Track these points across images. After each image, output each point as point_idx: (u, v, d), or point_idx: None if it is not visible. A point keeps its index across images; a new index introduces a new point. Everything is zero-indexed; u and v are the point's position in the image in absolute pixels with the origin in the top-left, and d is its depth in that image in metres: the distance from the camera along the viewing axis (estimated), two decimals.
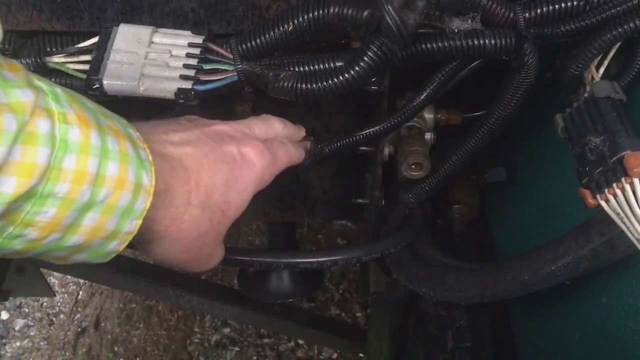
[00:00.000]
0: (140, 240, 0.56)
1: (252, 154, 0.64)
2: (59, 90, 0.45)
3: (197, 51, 0.68)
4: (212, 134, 0.63)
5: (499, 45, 0.68)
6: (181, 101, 0.67)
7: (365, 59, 0.63)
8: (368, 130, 0.81)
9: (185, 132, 0.62)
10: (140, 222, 0.50)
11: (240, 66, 0.67)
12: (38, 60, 0.69)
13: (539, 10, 0.68)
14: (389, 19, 0.60)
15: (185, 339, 2.05)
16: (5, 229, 0.42)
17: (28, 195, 0.41)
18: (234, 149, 0.63)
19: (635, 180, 0.57)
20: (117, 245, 0.51)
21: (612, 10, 0.66)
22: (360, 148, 0.91)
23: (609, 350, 0.70)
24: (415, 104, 0.79)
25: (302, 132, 0.77)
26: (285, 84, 0.66)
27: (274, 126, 0.72)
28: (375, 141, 0.88)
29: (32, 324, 2.12)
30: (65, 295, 2.18)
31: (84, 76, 0.68)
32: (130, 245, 0.54)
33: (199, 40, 0.69)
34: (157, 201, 0.53)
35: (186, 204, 0.57)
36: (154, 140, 0.56)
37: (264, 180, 0.66)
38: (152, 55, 0.68)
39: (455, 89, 0.81)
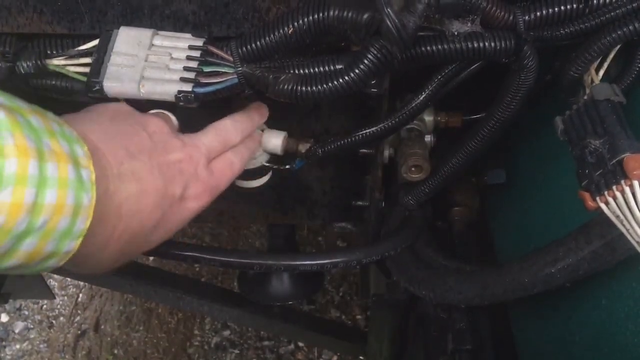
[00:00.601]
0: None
1: (193, 198, 0.66)
2: (1, 115, 0.45)
3: (197, 54, 0.68)
4: (165, 168, 0.63)
5: (498, 47, 0.68)
6: (181, 104, 0.67)
7: (365, 61, 0.63)
8: (364, 132, 0.81)
9: (142, 159, 0.61)
10: (79, 240, 0.50)
11: (240, 69, 0.68)
12: (38, 62, 0.69)
13: (538, 13, 0.68)
14: (388, 22, 0.60)
15: (185, 341, 2.05)
16: None
17: None
18: (178, 191, 0.64)
19: (635, 182, 0.57)
20: (56, 263, 0.51)
21: (612, 13, 0.66)
22: (360, 150, 0.91)
23: (609, 352, 0.70)
24: (412, 106, 0.79)
25: (255, 119, 0.77)
26: (285, 86, 0.66)
27: (226, 135, 0.72)
28: (372, 143, 0.88)
29: (31, 326, 2.12)
30: (65, 297, 2.18)
31: (84, 79, 0.68)
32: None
33: (199, 42, 0.69)
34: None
35: (105, 243, 0.58)
36: (105, 163, 0.57)
37: (199, 212, 0.69)
38: (152, 58, 0.68)
39: (455, 91, 0.81)
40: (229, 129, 0.72)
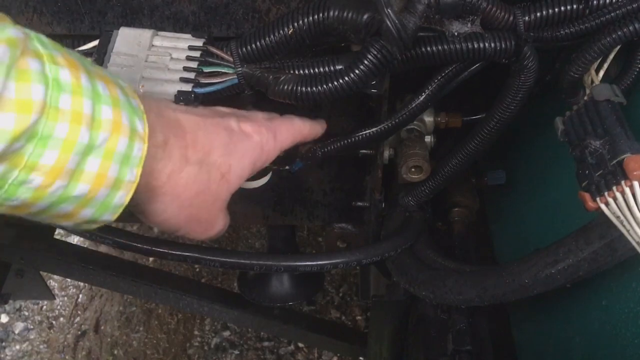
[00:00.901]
0: (138, 202, 0.55)
1: (250, 128, 0.64)
2: (44, 37, 0.45)
3: (197, 54, 0.68)
4: (211, 108, 0.64)
5: (498, 48, 0.68)
6: (181, 104, 0.67)
7: (365, 62, 0.63)
8: (363, 133, 0.81)
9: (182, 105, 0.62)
10: (140, 169, 0.50)
11: (240, 69, 0.68)
12: None
13: (538, 14, 0.68)
14: (388, 22, 0.60)
15: (185, 342, 2.05)
16: (10, 174, 0.42)
17: (29, 134, 0.41)
18: (233, 123, 0.63)
19: (635, 183, 0.57)
20: (123, 197, 0.50)
21: (612, 14, 0.66)
22: (360, 151, 0.91)
23: (609, 353, 0.70)
24: (412, 106, 0.79)
25: (317, 131, 0.77)
26: (285, 86, 0.66)
27: (297, 132, 0.73)
28: (372, 144, 0.88)
29: (31, 327, 2.12)
30: (65, 298, 2.18)
31: None
32: (126, 218, 0.54)
33: (199, 43, 0.69)
34: (154, 153, 0.53)
35: (183, 159, 0.56)
36: (149, 100, 0.55)
37: (264, 154, 0.67)
38: (152, 58, 0.68)
39: (455, 92, 0.81)
40: (302, 129, 0.73)
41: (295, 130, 0.71)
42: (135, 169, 0.49)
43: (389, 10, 0.59)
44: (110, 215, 0.51)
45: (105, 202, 0.49)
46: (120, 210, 0.51)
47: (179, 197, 0.58)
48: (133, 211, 0.57)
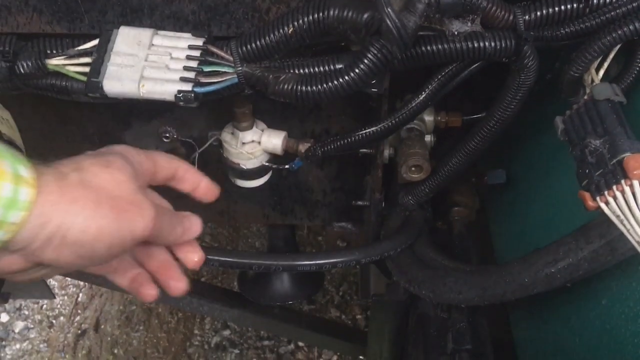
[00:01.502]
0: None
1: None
2: None
3: (197, 53, 0.68)
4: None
5: (498, 47, 0.68)
6: (181, 103, 0.67)
7: (365, 61, 0.63)
8: (364, 132, 0.81)
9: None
10: (25, 214, 0.49)
11: (240, 68, 0.67)
12: (38, 62, 0.69)
13: (538, 13, 0.68)
14: (389, 22, 0.60)
15: (185, 341, 2.05)
16: None
17: None
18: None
19: (635, 182, 0.57)
20: (2, 236, 0.49)
21: (612, 13, 0.66)
22: (361, 150, 0.91)
23: (609, 353, 0.70)
24: (412, 105, 0.79)
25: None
26: (286, 86, 0.66)
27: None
28: (372, 143, 0.88)
29: (32, 326, 2.12)
30: (65, 297, 2.18)
31: (84, 78, 0.68)
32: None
33: (199, 42, 0.69)
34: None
35: (61, 176, 0.54)
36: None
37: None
38: (152, 58, 0.68)
39: (455, 91, 0.81)
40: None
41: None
42: (21, 213, 0.48)
43: (389, 10, 0.59)
44: None
45: None
46: None
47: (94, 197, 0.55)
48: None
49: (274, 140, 0.85)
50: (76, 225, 0.52)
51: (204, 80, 0.67)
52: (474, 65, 0.77)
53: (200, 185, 0.66)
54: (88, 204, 0.53)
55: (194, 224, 0.65)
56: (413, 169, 0.90)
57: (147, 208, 0.58)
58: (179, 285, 0.65)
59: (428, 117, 0.93)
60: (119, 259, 0.64)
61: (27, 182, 0.49)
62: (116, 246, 0.56)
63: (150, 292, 0.64)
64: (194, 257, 0.66)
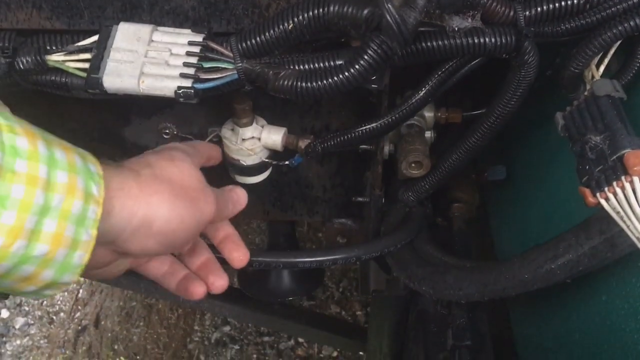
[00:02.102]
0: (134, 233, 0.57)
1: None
2: (8, 113, 0.49)
3: (197, 49, 0.68)
4: None
5: (499, 43, 0.68)
6: (181, 99, 0.67)
7: (366, 57, 0.63)
8: (364, 128, 0.81)
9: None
10: (95, 231, 0.51)
11: (240, 64, 0.67)
12: (38, 58, 0.69)
13: (539, 9, 0.68)
14: (389, 17, 0.60)
15: (186, 337, 2.05)
16: None
17: None
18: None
19: (635, 178, 0.57)
20: (82, 256, 0.51)
21: (613, 9, 0.66)
22: (360, 146, 0.91)
23: (610, 349, 0.70)
24: (413, 102, 0.79)
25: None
26: (286, 82, 0.66)
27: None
28: (372, 139, 0.88)
29: (32, 322, 2.12)
30: (65, 293, 2.18)
31: (84, 74, 0.68)
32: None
33: (199, 38, 0.69)
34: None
35: (134, 174, 0.58)
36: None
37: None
38: (152, 54, 0.68)
39: (456, 87, 0.81)
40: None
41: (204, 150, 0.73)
42: (90, 230, 0.51)
43: (389, 5, 0.59)
44: (70, 276, 0.52)
45: (65, 263, 0.50)
46: (80, 270, 0.52)
47: (171, 184, 0.60)
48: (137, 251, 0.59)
49: (274, 137, 0.85)
50: (160, 216, 0.57)
51: (203, 76, 0.67)
52: (475, 62, 0.77)
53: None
54: (166, 196, 0.58)
55: (240, 196, 0.71)
56: (413, 165, 0.90)
57: (209, 194, 0.64)
58: (219, 281, 0.69)
59: (428, 114, 0.93)
60: (170, 263, 0.69)
61: (96, 201, 0.51)
62: (192, 232, 0.62)
63: (199, 290, 0.68)
64: (239, 255, 0.71)
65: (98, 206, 0.51)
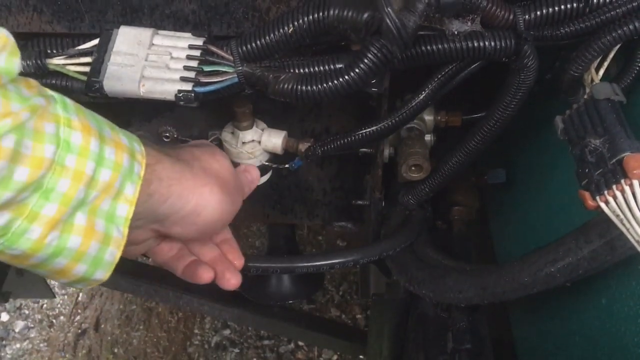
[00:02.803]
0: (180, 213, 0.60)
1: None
2: (69, 101, 0.50)
3: (197, 53, 0.68)
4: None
5: (498, 47, 0.68)
6: (181, 103, 0.67)
7: (365, 60, 0.63)
8: (364, 131, 0.81)
9: None
10: (126, 229, 0.53)
11: (240, 68, 0.68)
12: (39, 62, 0.69)
13: (538, 12, 0.68)
14: (388, 21, 0.60)
15: (185, 340, 2.05)
16: (14, 222, 0.46)
17: (36, 186, 0.46)
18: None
19: (635, 182, 0.57)
20: (114, 253, 0.53)
21: (612, 12, 0.66)
22: (360, 149, 0.91)
23: (609, 352, 0.70)
24: (412, 105, 0.79)
25: None
26: (286, 85, 0.66)
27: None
28: (372, 142, 0.88)
29: (32, 325, 2.12)
30: (65, 297, 2.18)
31: (84, 78, 0.68)
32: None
33: (199, 42, 0.69)
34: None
35: (174, 161, 0.60)
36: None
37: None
38: (152, 57, 0.68)
39: (456, 90, 0.81)
40: None
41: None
42: (121, 228, 0.53)
43: (389, 9, 0.59)
44: (102, 273, 0.54)
45: (97, 258, 0.52)
46: (112, 267, 0.54)
47: (219, 178, 0.63)
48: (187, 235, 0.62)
49: (274, 140, 0.85)
50: (208, 207, 0.61)
51: (204, 79, 0.68)
52: (474, 65, 0.77)
53: None
54: (215, 189, 0.61)
55: (254, 176, 0.75)
56: (413, 168, 0.90)
57: (241, 188, 0.69)
58: (233, 278, 0.73)
59: (428, 117, 0.93)
60: (178, 247, 0.71)
61: (127, 200, 0.53)
62: (226, 223, 0.67)
63: (207, 275, 0.70)
64: (233, 259, 0.74)
65: (130, 205, 0.53)
